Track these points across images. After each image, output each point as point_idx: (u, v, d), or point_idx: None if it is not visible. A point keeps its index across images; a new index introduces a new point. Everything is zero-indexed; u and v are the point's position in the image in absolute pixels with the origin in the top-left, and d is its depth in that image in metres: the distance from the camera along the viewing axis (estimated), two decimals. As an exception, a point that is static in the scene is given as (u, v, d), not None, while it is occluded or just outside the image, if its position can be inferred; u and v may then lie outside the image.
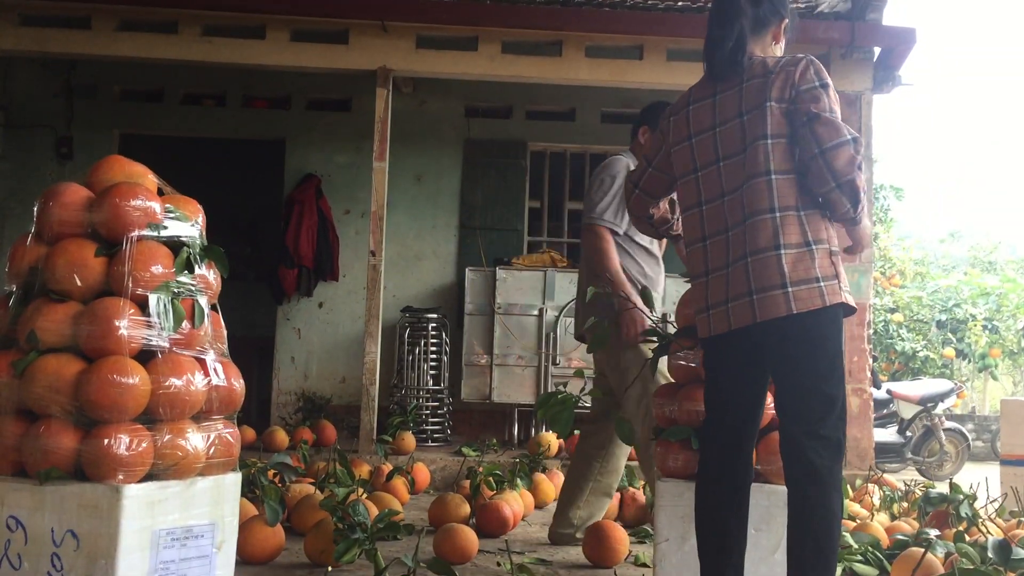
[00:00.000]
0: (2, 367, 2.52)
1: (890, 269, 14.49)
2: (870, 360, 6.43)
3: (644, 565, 3.79)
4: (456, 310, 7.70)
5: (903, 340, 12.56)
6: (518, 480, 4.99)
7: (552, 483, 5.41)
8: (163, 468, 2.49)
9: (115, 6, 6.25)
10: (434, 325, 7.27)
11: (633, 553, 3.92)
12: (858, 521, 4.06)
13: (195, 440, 2.56)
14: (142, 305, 2.54)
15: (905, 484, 5.08)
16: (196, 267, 2.68)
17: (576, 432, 4.10)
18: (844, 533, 3.49)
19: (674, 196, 3.00)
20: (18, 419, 2.49)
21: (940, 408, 8.96)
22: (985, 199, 35.69)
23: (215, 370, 2.67)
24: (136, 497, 2.40)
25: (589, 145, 8.40)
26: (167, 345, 2.56)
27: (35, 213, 2.66)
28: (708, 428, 2.77)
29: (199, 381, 2.59)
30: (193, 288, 2.66)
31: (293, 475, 4.16)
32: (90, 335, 2.48)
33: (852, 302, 2.58)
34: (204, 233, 2.78)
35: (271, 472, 4.10)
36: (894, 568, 3.19)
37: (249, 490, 3.82)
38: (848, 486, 4.59)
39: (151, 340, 2.53)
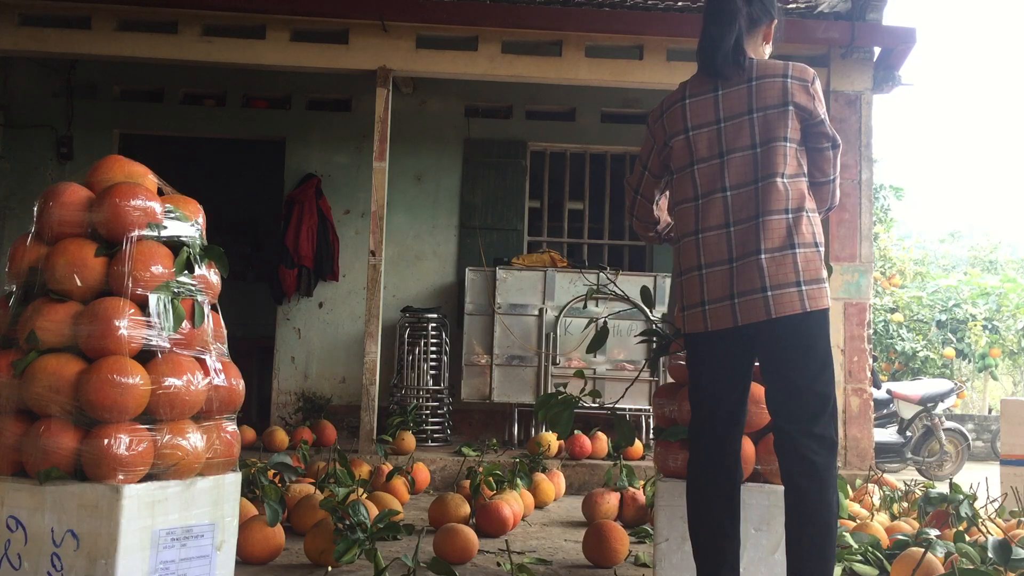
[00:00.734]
0: (2, 367, 2.52)
1: (890, 269, 14.48)
2: (870, 360, 6.43)
3: (644, 565, 3.79)
4: (456, 310, 7.71)
5: (903, 340, 12.55)
6: (518, 480, 4.98)
7: (552, 483, 5.40)
8: (163, 468, 2.50)
9: (115, 6, 6.25)
10: (434, 325, 7.27)
11: (633, 553, 3.91)
12: (858, 521, 4.05)
13: (195, 440, 2.56)
14: (142, 305, 2.54)
15: (905, 484, 5.07)
16: (196, 267, 2.69)
17: (576, 432, 4.09)
18: (844, 533, 3.50)
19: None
20: (18, 419, 2.50)
21: (940, 408, 8.95)
22: (985, 199, 35.72)
23: (215, 370, 2.67)
24: (136, 497, 2.40)
25: (589, 145, 8.40)
26: (167, 345, 2.56)
27: (35, 213, 2.66)
28: (696, 425, 2.78)
29: (199, 381, 2.59)
30: (193, 288, 2.66)
31: (293, 475, 4.15)
32: (90, 335, 2.48)
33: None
34: (204, 233, 2.78)
35: (271, 472, 4.10)
36: (894, 568, 3.19)
37: (249, 490, 3.82)
38: (848, 486, 4.58)
39: (151, 340, 2.53)
